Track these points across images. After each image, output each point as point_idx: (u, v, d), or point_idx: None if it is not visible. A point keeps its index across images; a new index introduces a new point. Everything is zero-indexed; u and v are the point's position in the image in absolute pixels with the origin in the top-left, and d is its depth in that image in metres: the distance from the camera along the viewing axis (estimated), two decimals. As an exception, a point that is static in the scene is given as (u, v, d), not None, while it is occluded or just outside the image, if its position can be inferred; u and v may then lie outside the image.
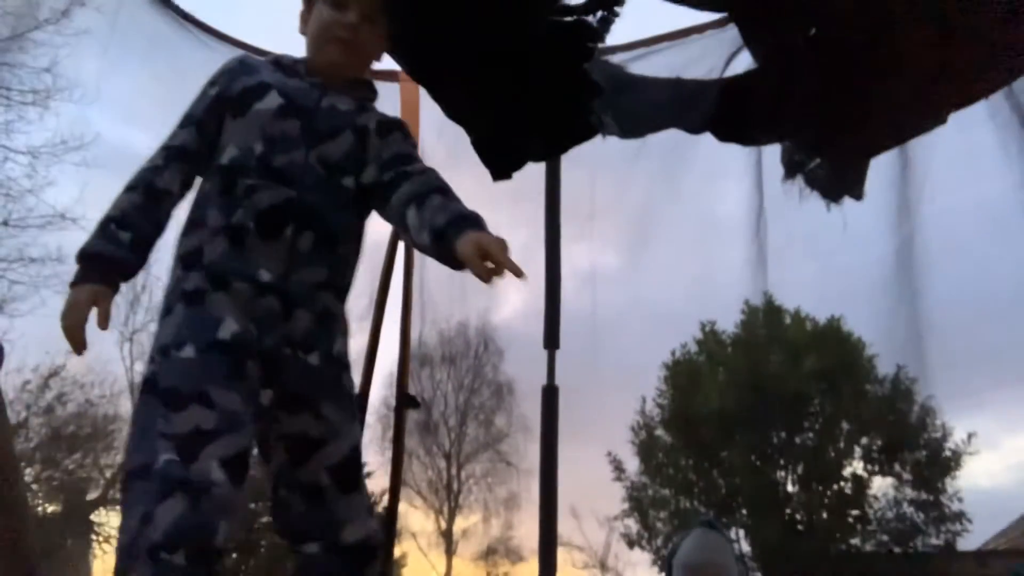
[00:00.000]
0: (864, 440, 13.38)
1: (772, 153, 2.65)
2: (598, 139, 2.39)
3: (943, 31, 1.95)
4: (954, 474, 12.91)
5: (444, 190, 1.54)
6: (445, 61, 2.16)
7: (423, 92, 2.42)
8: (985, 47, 1.97)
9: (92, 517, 14.13)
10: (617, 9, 2.02)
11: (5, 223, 10.81)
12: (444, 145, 2.67)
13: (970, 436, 12.83)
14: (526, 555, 19.61)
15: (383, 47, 1.83)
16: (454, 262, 1.43)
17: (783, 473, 13.55)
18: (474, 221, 1.44)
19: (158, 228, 1.57)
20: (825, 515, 13.04)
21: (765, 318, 13.87)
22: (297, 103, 1.61)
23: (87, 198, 10.56)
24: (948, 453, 12.93)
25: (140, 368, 14.99)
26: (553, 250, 2.76)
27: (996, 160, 2.43)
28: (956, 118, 2.27)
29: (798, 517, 13.18)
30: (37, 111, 10.06)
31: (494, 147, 2.36)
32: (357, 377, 1.78)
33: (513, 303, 22.57)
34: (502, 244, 1.37)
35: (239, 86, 1.63)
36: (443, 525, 20.31)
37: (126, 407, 14.67)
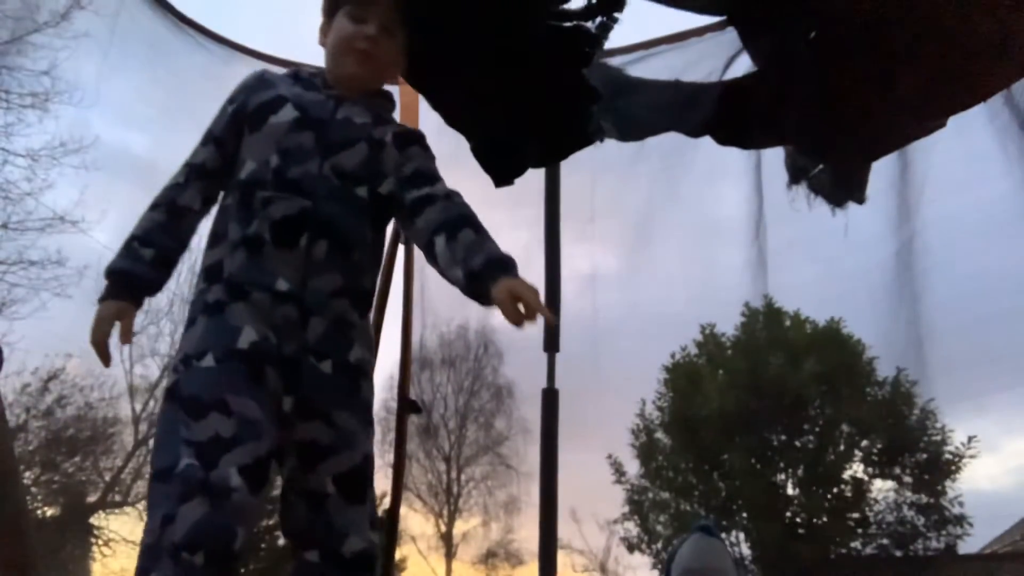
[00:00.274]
0: (864, 443, 13.33)
1: (772, 156, 2.65)
2: (598, 142, 2.39)
3: (944, 31, 1.94)
4: (954, 477, 12.84)
5: (474, 223, 1.57)
6: (444, 68, 2.16)
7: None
8: (987, 47, 1.96)
9: (91, 520, 14.09)
10: (616, 15, 2.03)
11: (4, 226, 10.81)
12: (444, 146, 2.67)
13: (971, 439, 12.76)
14: (526, 558, 19.62)
15: (402, 60, 1.85)
16: (484, 300, 1.48)
17: (783, 476, 13.51)
18: (509, 266, 1.49)
19: (181, 244, 1.65)
20: (825, 518, 12.99)
21: (765, 320, 13.84)
22: (312, 115, 1.63)
23: (87, 201, 10.60)
24: (948, 456, 12.85)
25: (140, 371, 15.02)
26: (553, 252, 2.76)
27: (996, 163, 2.43)
28: (955, 121, 2.27)
29: (798, 520, 13.14)
30: (36, 114, 10.04)
31: (493, 154, 2.36)
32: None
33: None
34: (535, 292, 1.43)
35: (255, 101, 1.66)
36: (443, 528, 20.30)
37: (126, 410, 14.70)
